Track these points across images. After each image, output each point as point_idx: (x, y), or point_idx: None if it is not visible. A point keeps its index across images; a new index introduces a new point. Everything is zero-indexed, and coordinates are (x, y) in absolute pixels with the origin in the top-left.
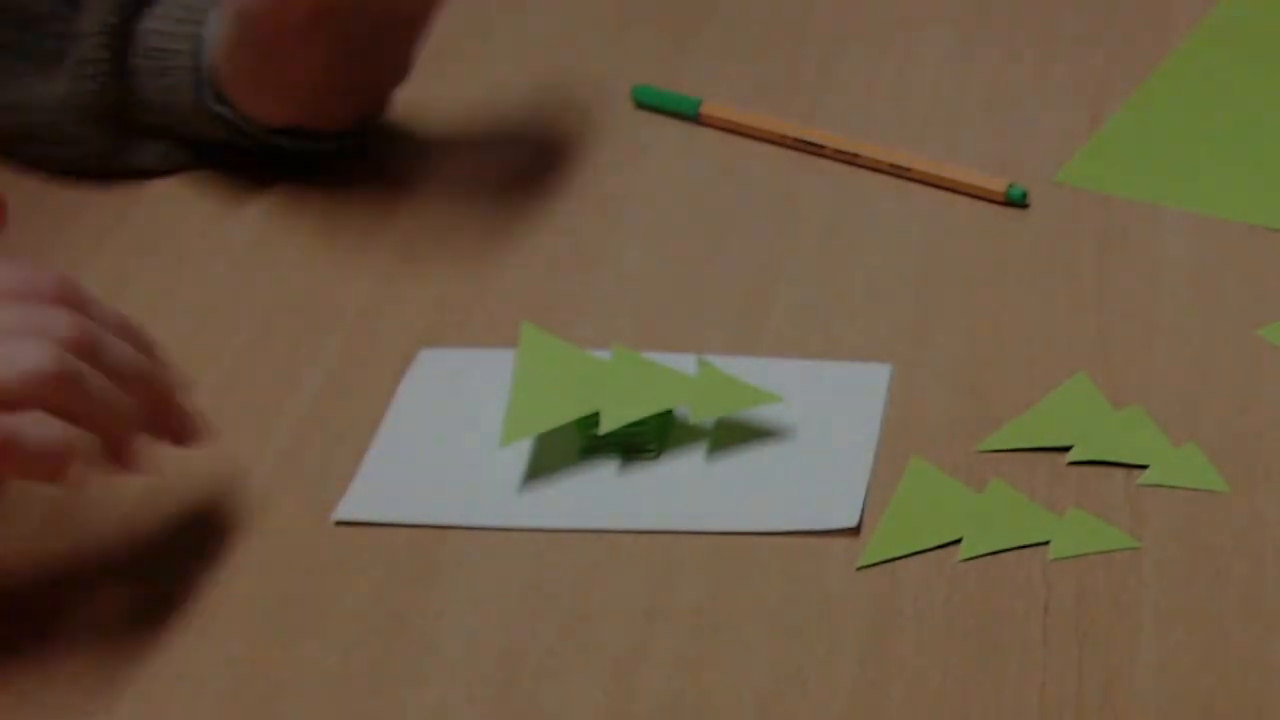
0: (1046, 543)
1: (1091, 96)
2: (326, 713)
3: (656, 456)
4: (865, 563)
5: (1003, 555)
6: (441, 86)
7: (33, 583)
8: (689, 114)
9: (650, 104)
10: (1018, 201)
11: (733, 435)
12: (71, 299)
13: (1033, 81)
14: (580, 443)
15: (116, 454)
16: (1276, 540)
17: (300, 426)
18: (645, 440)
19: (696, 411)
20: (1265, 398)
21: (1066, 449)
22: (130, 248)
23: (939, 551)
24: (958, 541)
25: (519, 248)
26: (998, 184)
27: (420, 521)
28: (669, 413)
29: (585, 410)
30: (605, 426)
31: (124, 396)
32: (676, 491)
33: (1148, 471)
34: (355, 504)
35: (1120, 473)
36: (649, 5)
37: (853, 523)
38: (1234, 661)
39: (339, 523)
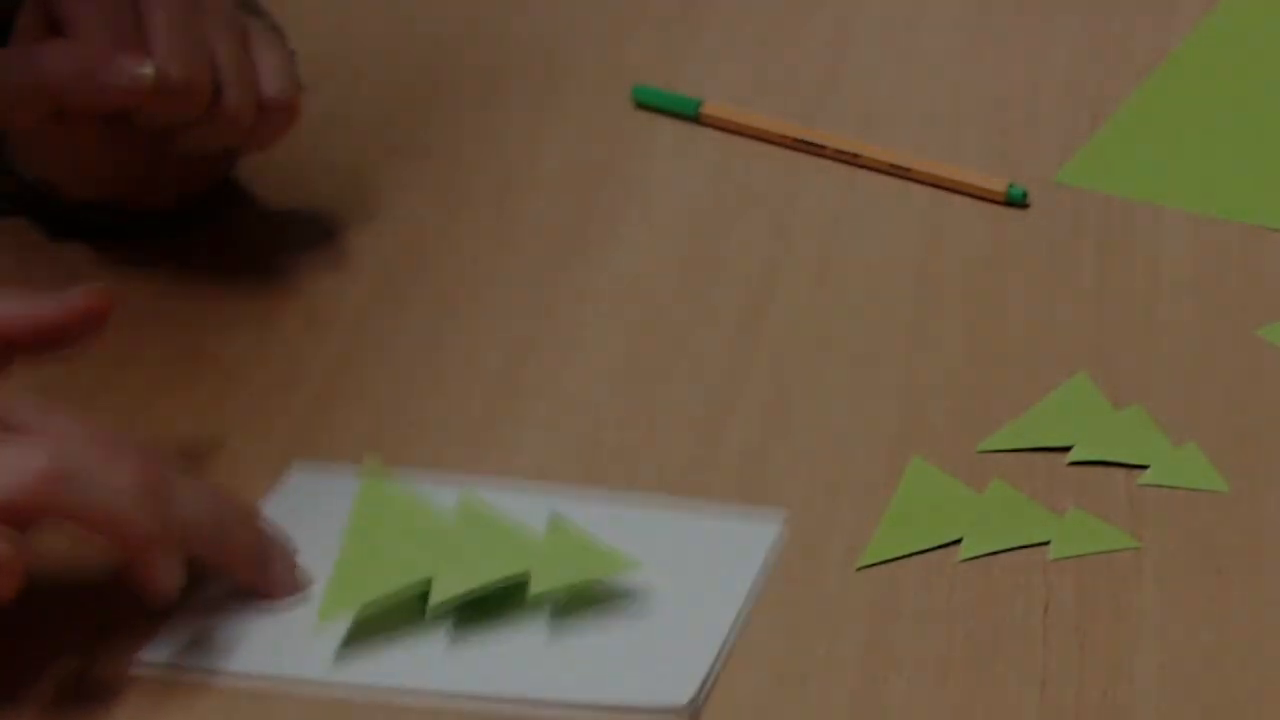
0: (1046, 543)
1: (1091, 96)
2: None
3: (498, 618)
4: (865, 563)
5: (1003, 555)
6: (440, 86)
7: (26, 590)
8: (689, 114)
9: (650, 104)
10: (1018, 201)
11: (581, 598)
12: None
13: (1033, 81)
14: (415, 600)
15: (132, 569)
16: (1276, 540)
17: (300, 427)
18: (486, 601)
19: (539, 580)
20: (1265, 398)
21: (1066, 449)
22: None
23: (939, 551)
24: (958, 541)
25: (516, 248)
26: (998, 184)
27: (230, 669)
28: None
29: (417, 577)
30: (435, 597)
31: (156, 508)
32: (511, 656)
33: (1148, 471)
34: (165, 645)
35: (1120, 473)
36: (649, 5)
37: (683, 700)
38: (1234, 661)
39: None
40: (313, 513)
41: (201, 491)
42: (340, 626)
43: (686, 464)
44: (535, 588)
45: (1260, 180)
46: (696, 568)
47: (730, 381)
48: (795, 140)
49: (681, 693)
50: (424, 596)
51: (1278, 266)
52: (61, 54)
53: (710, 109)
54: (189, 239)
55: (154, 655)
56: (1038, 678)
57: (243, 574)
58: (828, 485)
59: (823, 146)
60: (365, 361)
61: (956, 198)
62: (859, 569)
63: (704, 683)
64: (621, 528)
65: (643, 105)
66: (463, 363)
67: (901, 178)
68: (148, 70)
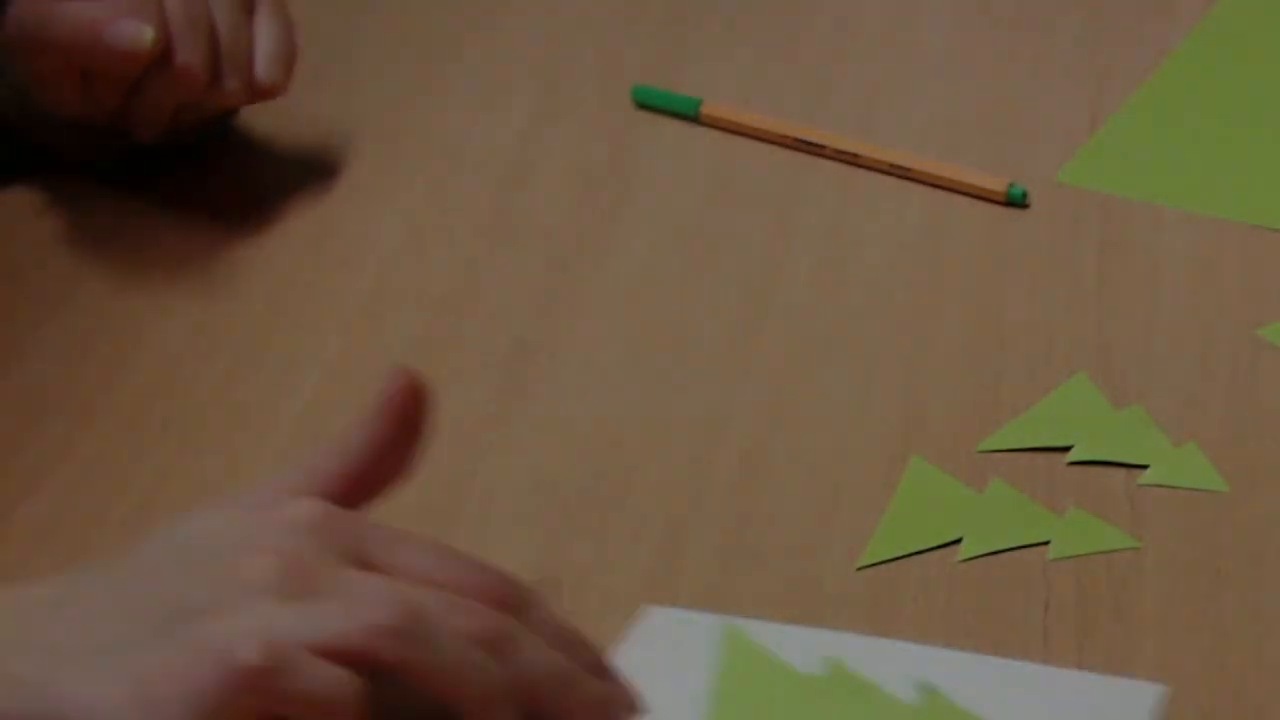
0: (1046, 543)
1: (1091, 96)
2: None
3: None
4: (865, 563)
5: (1003, 555)
6: (441, 85)
7: None
8: (689, 114)
9: (650, 104)
10: (1018, 201)
11: None
12: (510, 602)
13: (1033, 81)
14: None
15: None
16: (1276, 540)
17: (297, 433)
18: None
19: None
20: (1265, 398)
21: (1066, 449)
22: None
23: (939, 551)
24: (958, 541)
25: (517, 249)
26: (998, 184)
27: None
28: None
29: None
30: None
31: (497, 664)
32: None
33: (1148, 471)
34: None
35: (1120, 473)
36: (649, 5)
37: None
38: (1234, 661)
39: None
40: (668, 664)
41: (549, 633)
42: None
43: (687, 463)
44: None
45: (1260, 180)
46: None
47: (730, 381)
48: (795, 140)
49: None
50: None
51: (1278, 266)
52: (72, 14)
53: (710, 109)
54: (186, 244)
55: None
56: None
57: None
58: (828, 485)
59: (823, 146)
60: (362, 363)
61: (956, 198)
62: (859, 569)
63: None
64: (997, 697)
65: (643, 105)
66: (463, 362)
67: (901, 178)
68: (148, 35)
